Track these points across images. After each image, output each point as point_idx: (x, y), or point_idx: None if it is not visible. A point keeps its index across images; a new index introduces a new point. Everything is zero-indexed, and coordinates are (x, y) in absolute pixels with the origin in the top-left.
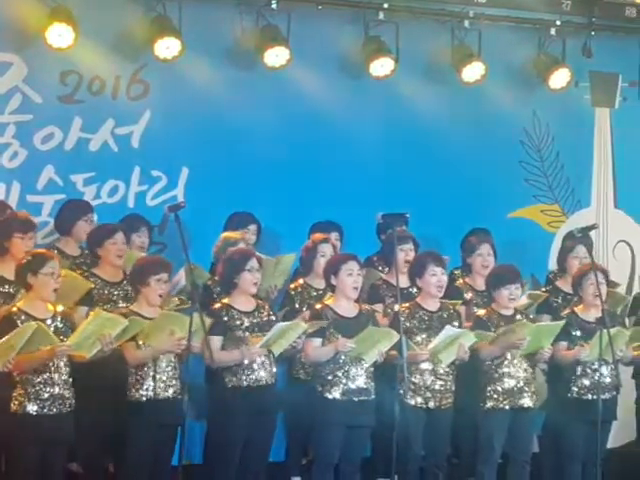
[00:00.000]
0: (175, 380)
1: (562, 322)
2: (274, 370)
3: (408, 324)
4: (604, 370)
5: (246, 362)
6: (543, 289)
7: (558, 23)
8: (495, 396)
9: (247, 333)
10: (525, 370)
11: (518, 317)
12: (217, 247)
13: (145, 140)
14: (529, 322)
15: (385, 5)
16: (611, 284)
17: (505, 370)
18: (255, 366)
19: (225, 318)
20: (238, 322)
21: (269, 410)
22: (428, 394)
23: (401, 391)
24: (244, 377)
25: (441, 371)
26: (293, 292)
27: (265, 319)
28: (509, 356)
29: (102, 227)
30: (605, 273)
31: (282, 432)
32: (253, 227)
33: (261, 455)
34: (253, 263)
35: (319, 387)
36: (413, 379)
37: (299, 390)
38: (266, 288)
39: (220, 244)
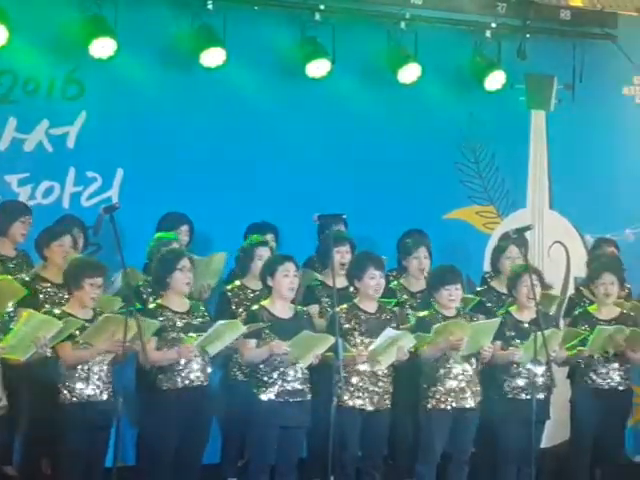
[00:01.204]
0: (109, 382)
1: (498, 319)
2: (208, 371)
3: (347, 326)
4: (538, 370)
5: (183, 362)
6: (478, 289)
7: (493, 25)
8: (437, 396)
9: (181, 334)
10: (467, 371)
11: (459, 318)
12: (151, 247)
13: (80, 141)
14: (463, 321)
15: (321, 6)
16: (545, 287)
17: (447, 370)
18: (189, 367)
19: (160, 318)
20: (172, 322)
21: (203, 411)
22: (366, 396)
23: (338, 392)
24: (178, 378)
25: (380, 373)
26: (230, 293)
27: (199, 320)
28: (452, 356)
29: (50, 229)
30: (539, 274)
31: (218, 434)
32: (185, 227)
33: (195, 457)
34: (185, 262)
35: (254, 388)
36: (352, 381)
37: (235, 391)
38: (199, 288)
39: (153, 244)
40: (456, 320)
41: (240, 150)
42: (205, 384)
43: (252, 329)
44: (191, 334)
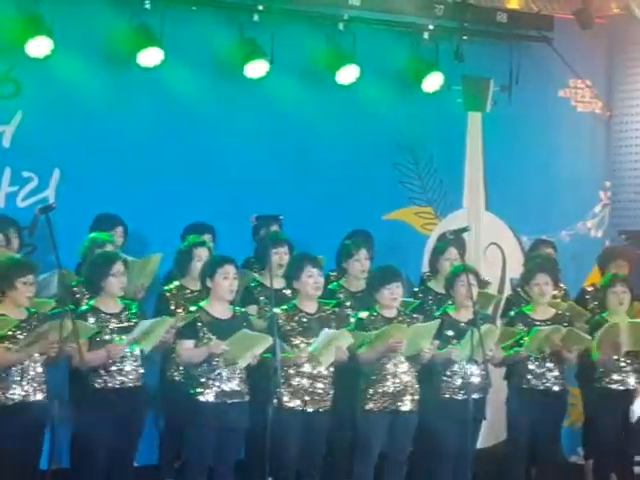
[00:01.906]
0: (43, 383)
1: (437, 321)
2: (141, 371)
3: (287, 327)
4: (474, 370)
5: (115, 364)
6: (415, 290)
7: (431, 27)
8: (375, 398)
9: (114, 335)
10: (406, 372)
11: (400, 319)
12: (85, 248)
13: (16, 140)
14: (402, 324)
15: (260, 7)
16: (482, 283)
17: (386, 372)
18: (121, 368)
19: (91, 319)
20: (105, 324)
21: (136, 413)
22: (306, 397)
23: (277, 393)
24: (110, 379)
25: (320, 374)
26: (168, 294)
27: (133, 321)
28: (391, 358)
29: None
30: (476, 274)
31: (156, 435)
32: (120, 229)
33: (127, 458)
34: (118, 267)
35: (192, 389)
36: (292, 382)
37: (173, 392)
38: (133, 288)
39: (87, 244)
40: (395, 324)
41: (177, 151)
42: (138, 385)
43: (181, 321)
44: (124, 337)
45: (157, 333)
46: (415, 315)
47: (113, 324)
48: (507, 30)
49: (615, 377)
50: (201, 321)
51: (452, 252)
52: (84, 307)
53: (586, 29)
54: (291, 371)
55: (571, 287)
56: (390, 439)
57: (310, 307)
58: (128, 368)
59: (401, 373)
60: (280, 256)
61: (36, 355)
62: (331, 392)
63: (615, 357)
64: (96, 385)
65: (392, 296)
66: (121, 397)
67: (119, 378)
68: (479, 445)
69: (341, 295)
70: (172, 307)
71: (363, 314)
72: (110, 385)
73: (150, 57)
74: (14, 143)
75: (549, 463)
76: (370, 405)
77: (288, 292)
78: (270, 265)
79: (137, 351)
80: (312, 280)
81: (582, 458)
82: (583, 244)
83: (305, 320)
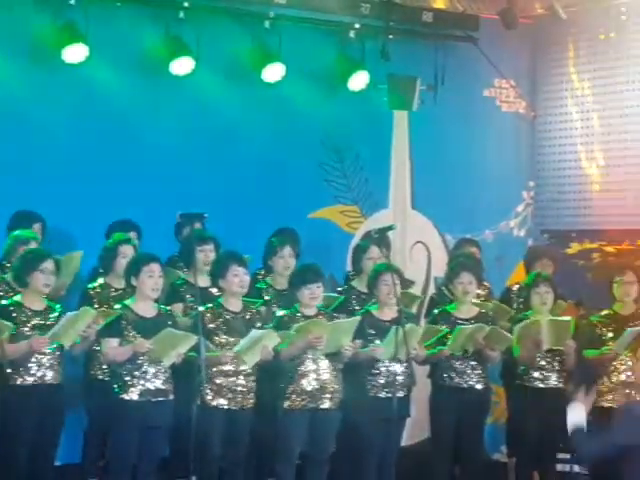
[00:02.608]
0: None
1: (358, 318)
2: (61, 369)
3: (212, 325)
4: (398, 368)
5: (34, 360)
6: (339, 289)
7: (357, 26)
8: (294, 396)
9: (35, 332)
10: (326, 371)
11: (320, 317)
12: (8, 245)
13: None
14: (322, 320)
15: (185, 4)
16: (406, 282)
17: (306, 370)
18: (40, 364)
19: (14, 314)
20: (25, 319)
21: (55, 410)
22: (230, 395)
23: (200, 392)
24: (30, 375)
25: (243, 372)
26: (92, 292)
27: (55, 319)
28: (310, 356)
29: None
30: (399, 273)
31: (79, 433)
32: (37, 225)
33: (46, 456)
34: (47, 264)
35: (117, 388)
36: (216, 380)
37: (97, 390)
38: (55, 287)
39: (10, 242)
40: (315, 319)
41: (101, 148)
42: (57, 382)
43: (104, 315)
44: (45, 332)
45: (78, 327)
46: (335, 315)
47: (35, 321)
48: (433, 30)
49: (536, 375)
50: (126, 319)
51: (374, 251)
52: (7, 301)
53: (511, 29)
54: (215, 369)
55: (495, 286)
56: (311, 438)
57: (235, 306)
58: (46, 364)
59: (321, 371)
60: (206, 254)
61: None
62: (254, 390)
63: (538, 355)
64: (14, 380)
65: (312, 295)
66: (39, 394)
67: (37, 374)
68: (403, 443)
69: (268, 293)
70: (96, 305)
71: (281, 312)
72: (28, 381)
73: (75, 53)
74: None
75: (472, 461)
76: (290, 403)
77: (215, 290)
78: (195, 263)
79: (57, 351)
80: (237, 279)
81: (505, 456)
82: (506, 243)
83: (230, 318)
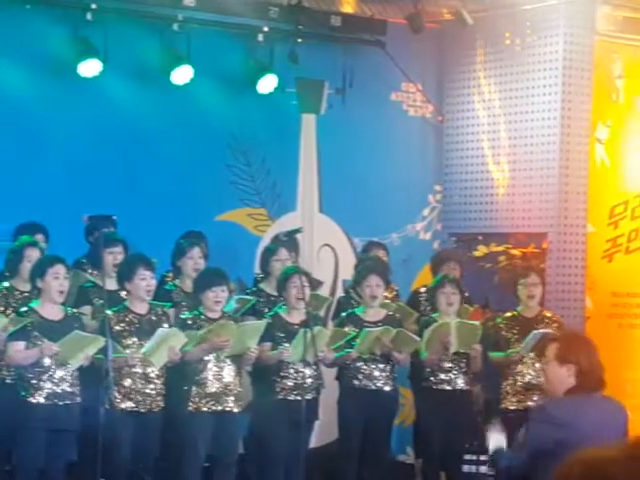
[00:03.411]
0: None
1: (265, 321)
2: None
3: (118, 327)
4: (307, 371)
5: None
6: (248, 291)
7: (266, 29)
8: (197, 399)
9: None
10: (230, 373)
11: (223, 321)
12: None
13: None
14: (229, 322)
15: (93, 6)
16: (315, 282)
17: (210, 373)
18: None
19: None
20: None
21: None
22: (139, 398)
23: (108, 395)
24: None
25: (152, 374)
26: None
27: None
28: (214, 358)
29: None
30: (308, 276)
31: None
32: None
33: None
34: None
35: (23, 391)
36: (124, 383)
37: (2, 394)
38: None
39: None
40: (222, 323)
41: (9, 149)
42: None
43: (15, 324)
44: None
45: None
46: (241, 318)
47: None
48: (341, 34)
49: (443, 377)
50: (32, 322)
51: (283, 253)
52: None
53: (418, 34)
54: (123, 372)
55: (401, 289)
56: (216, 440)
57: (141, 308)
58: None
59: (224, 374)
60: (114, 256)
61: None
62: (163, 392)
63: (444, 357)
64: None
65: (216, 299)
66: None
67: None
68: (311, 444)
69: (177, 296)
70: (1, 308)
71: (185, 315)
72: None
73: None
74: None
75: (380, 462)
76: (194, 406)
77: (124, 293)
78: (103, 265)
79: None
80: (145, 283)
81: (411, 457)
82: (412, 246)
83: (136, 321)
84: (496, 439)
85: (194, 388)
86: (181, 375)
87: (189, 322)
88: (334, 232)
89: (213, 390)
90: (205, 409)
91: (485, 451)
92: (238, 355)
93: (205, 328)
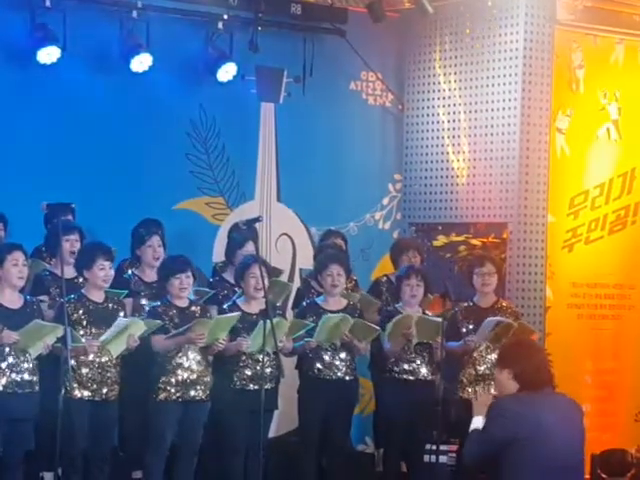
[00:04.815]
0: None
1: (238, 314)
2: None
3: (75, 315)
4: (266, 361)
5: None
6: (210, 280)
7: (226, 17)
8: (168, 388)
9: None
10: (199, 362)
11: (193, 308)
12: None
13: None
14: (206, 319)
15: None
16: (275, 271)
17: (179, 362)
18: None
19: None
20: None
21: None
22: (95, 386)
23: (66, 383)
24: None
25: (108, 363)
26: None
27: None
28: (183, 347)
29: None
30: (267, 265)
31: None
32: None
33: None
34: None
35: None
36: (81, 371)
37: None
38: None
39: None
40: (201, 320)
41: None
42: None
43: None
44: None
45: None
46: (208, 307)
47: None
48: (301, 22)
49: (406, 367)
50: None
51: (250, 246)
52: None
53: (378, 22)
54: (80, 360)
55: (360, 278)
56: (182, 429)
57: (98, 296)
58: None
59: (193, 362)
60: (71, 243)
61: None
62: (119, 381)
63: (406, 347)
64: None
65: (181, 285)
66: None
67: None
68: (271, 434)
69: (135, 285)
70: None
71: (155, 304)
72: None
73: None
74: None
75: (339, 452)
76: (163, 395)
77: (80, 281)
78: (61, 253)
79: None
80: (103, 273)
81: (370, 447)
82: (371, 235)
83: (93, 309)
84: (477, 421)
85: (163, 377)
86: (146, 363)
87: (160, 311)
88: (292, 221)
89: (183, 379)
90: (174, 398)
91: (445, 441)
92: (207, 344)
93: (189, 325)
